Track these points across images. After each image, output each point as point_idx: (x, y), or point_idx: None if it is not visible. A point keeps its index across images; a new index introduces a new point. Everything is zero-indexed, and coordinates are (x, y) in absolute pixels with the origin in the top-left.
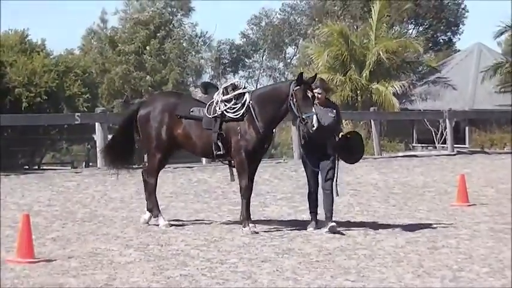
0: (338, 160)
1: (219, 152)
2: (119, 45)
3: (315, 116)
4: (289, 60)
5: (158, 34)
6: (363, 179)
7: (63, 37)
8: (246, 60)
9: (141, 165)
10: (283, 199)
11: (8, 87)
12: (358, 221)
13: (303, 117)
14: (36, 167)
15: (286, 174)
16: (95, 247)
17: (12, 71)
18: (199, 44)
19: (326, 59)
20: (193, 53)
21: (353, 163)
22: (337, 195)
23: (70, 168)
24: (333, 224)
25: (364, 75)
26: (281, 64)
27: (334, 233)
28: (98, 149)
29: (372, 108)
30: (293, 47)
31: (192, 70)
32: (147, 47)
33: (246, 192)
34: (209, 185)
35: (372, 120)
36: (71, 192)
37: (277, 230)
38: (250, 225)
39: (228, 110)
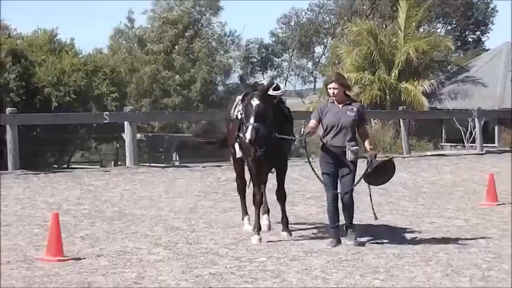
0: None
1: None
2: (148, 44)
3: (250, 127)
4: (317, 59)
5: (186, 33)
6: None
7: (92, 37)
8: (275, 59)
9: (169, 165)
10: (311, 198)
11: (37, 87)
12: (386, 219)
13: (244, 127)
14: (65, 166)
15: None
16: (123, 245)
17: (41, 71)
18: (227, 43)
19: (355, 58)
20: (222, 52)
21: (377, 185)
22: (376, 218)
23: (99, 167)
24: (360, 239)
25: (392, 74)
26: (310, 63)
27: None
28: (127, 148)
29: (400, 108)
30: (321, 46)
31: (220, 69)
32: (176, 46)
33: (254, 199)
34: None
35: (400, 120)
36: (99, 191)
37: (306, 229)
38: (256, 235)
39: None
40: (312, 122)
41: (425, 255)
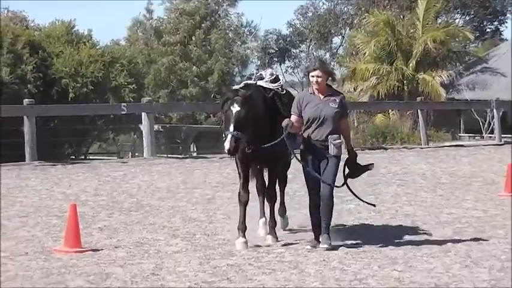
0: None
1: None
2: (164, 35)
3: (229, 137)
4: (335, 50)
5: (203, 24)
6: (410, 168)
7: (109, 28)
8: (293, 50)
9: (187, 156)
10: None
11: (54, 78)
12: (405, 210)
13: (223, 135)
14: (83, 157)
15: None
16: (141, 237)
17: (58, 62)
18: (245, 34)
19: (373, 48)
20: (239, 43)
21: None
22: (373, 204)
23: (116, 158)
24: (326, 242)
25: (410, 65)
26: (327, 54)
27: (328, 246)
28: (144, 139)
29: (418, 98)
30: (339, 36)
31: (237, 60)
32: (193, 38)
33: (238, 197)
34: None
35: (418, 110)
36: (117, 182)
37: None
38: (241, 238)
39: None
40: (293, 118)
41: (444, 247)
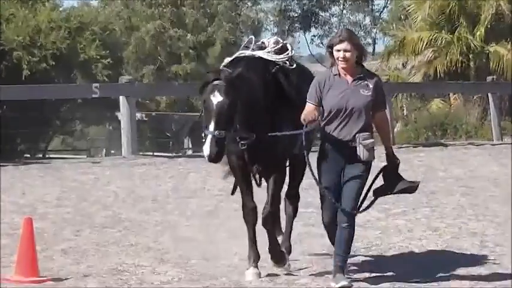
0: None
1: None
2: None
3: (208, 138)
4: (378, 14)
5: None
6: (477, 172)
7: None
8: (321, 13)
9: (179, 154)
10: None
11: (3, 50)
12: (471, 227)
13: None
14: (41, 155)
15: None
16: (119, 262)
17: (9, 28)
18: None
19: (427, 12)
20: (249, 3)
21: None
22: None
23: (86, 156)
24: (344, 283)
25: (478, 33)
26: (367, 19)
27: None
28: (123, 131)
29: (489, 78)
30: None
31: (247, 27)
32: None
33: (243, 215)
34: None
35: (489, 94)
36: (86, 189)
37: (362, 241)
38: (252, 268)
39: None
40: (310, 107)
41: None
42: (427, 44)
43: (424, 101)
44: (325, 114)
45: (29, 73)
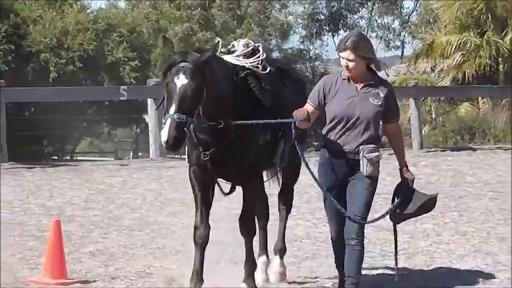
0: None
1: None
2: None
3: (168, 122)
4: (406, 17)
5: None
6: (506, 176)
7: None
8: (350, 16)
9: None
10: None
11: (30, 52)
12: (499, 232)
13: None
14: (68, 158)
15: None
16: (146, 264)
17: (36, 30)
18: None
19: (456, 14)
20: (278, 7)
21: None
22: (396, 272)
23: (113, 159)
24: None
25: (507, 37)
26: (396, 22)
27: None
28: (151, 134)
29: None
30: None
31: (275, 30)
32: (216, 0)
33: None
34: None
35: None
36: (114, 192)
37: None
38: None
39: None
40: (308, 107)
41: None
42: (455, 47)
43: (452, 105)
44: (329, 121)
45: (56, 75)
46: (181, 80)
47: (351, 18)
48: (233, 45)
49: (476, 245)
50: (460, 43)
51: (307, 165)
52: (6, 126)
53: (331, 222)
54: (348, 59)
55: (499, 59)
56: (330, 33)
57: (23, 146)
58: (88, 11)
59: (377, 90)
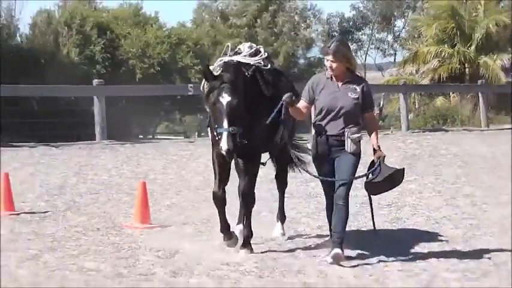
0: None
1: None
2: (230, 18)
3: (224, 135)
4: (398, 33)
5: (269, 8)
6: (470, 150)
7: (175, 10)
8: (356, 32)
9: None
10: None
11: (122, 59)
12: (465, 191)
13: (215, 133)
14: (151, 137)
15: (394, 145)
16: (209, 214)
17: (126, 43)
18: (309, 17)
19: (434, 31)
20: (303, 26)
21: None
22: (374, 231)
23: (183, 137)
24: (337, 251)
25: (472, 48)
26: (390, 37)
27: (337, 263)
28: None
29: (479, 81)
30: (402, 19)
31: (302, 43)
32: (258, 20)
33: (213, 200)
34: None
35: (479, 93)
36: (184, 161)
37: (385, 200)
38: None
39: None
40: (301, 103)
41: (503, 226)
42: (433, 55)
43: (430, 98)
44: (318, 112)
45: (141, 76)
46: (225, 98)
47: (356, 34)
48: (239, 48)
49: (447, 200)
50: (437, 52)
51: (291, 148)
52: (105, 113)
53: (326, 194)
54: (331, 61)
55: (466, 65)
56: None
57: (117, 128)
58: (164, 29)
59: (355, 86)
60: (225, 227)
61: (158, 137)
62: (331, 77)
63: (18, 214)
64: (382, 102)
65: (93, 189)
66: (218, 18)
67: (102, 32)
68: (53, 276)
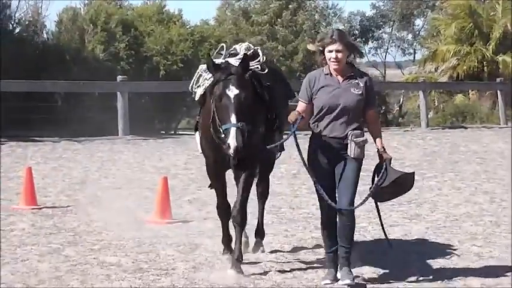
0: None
1: None
2: (253, 16)
3: (232, 131)
4: (417, 32)
5: (290, 6)
6: (488, 147)
7: (198, 8)
8: (376, 31)
9: None
10: (410, 166)
11: (146, 56)
12: (484, 188)
13: (220, 130)
14: (173, 132)
15: (414, 142)
16: None
17: (150, 41)
18: (330, 16)
19: (453, 30)
20: (324, 24)
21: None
22: (390, 244)
23: None
24: (347, 271)
25: (490, 46)
26: (409, 35)
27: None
28: None
29: (498, 79)
30: (421, 18)
31: None
32: (279, 19)
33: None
34: None
35: (498, 91)
36: None
37: (404, 196)
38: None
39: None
40: (301, 106)
41: None
42: (452, 54)
43: (450, 96)
44: (316, 112)
45: (164, 73)
46: (233, 91)
47: (377, 32)
48: (235, 49)
49: (467, 197)
50: (456, 51)
51: (301, 155)
52: (128, 109)
53: (322, 211)
54: (337, 50)
55: (484, 63)
56: (362, 44)
57: (140, 123)
58: (187, 26)
59: (357, 81)
60: (226, 240)
61: (180, 132)
62: (330, 73)
63: (40, 208)
64: (401, 99)
65: (115, 184)
66: (240, 16)
67: (127, 29)
68: (74, 271)
